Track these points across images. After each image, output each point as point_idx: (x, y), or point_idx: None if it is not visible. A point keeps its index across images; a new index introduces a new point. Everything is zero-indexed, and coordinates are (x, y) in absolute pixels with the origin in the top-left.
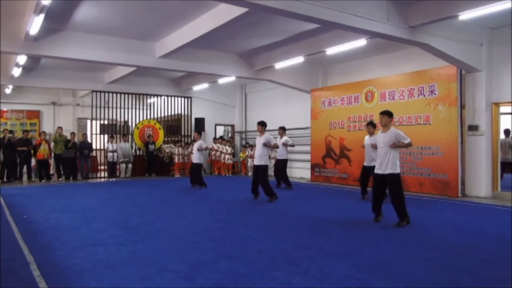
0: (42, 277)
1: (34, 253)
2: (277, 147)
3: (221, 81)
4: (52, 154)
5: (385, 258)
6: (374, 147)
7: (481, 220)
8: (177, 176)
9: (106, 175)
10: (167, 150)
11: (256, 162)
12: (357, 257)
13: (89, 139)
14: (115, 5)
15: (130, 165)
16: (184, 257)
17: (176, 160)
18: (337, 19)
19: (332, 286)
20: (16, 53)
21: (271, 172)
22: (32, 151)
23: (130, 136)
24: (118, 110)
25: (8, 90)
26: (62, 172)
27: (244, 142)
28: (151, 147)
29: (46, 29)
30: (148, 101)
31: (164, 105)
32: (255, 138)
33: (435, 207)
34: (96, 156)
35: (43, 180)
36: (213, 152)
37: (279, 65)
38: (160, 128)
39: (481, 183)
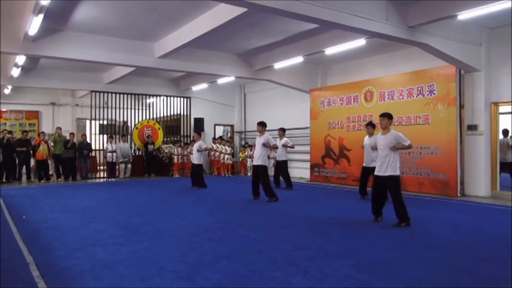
0: (42, 278)
1: (34, 253)
2: (276, 147)
3: (220, 81)
4: (51, 155)
5: (384, 258)
6: (374, 148)
7: (480, 220)
8: (176, 176)
9: (105, 176)
10: (166, 150)
11: (255, 162)
12: (357, 257)
13: (88, 140)
14: (114, 5)
15: (129, 165)
16: (183, 257)
17: (176, 160)
18: (336, 19)
19: (331, 286)
20: (15, 53)
21: (271, 172)
22: (31, 152)
23: (129, 136)
24: (117, 110)
25: (7, 91)
26: (61, 173)
27: (243, 142)
28: (150, 147)
29: (45, 30)
30: (147, 101)
31: (163, 105)
32: (255, 138)
33: (434, 206)
34: (95, 156)
35: (42, 181)
36: (212, 152)
37: (278, 65)
38: (159, 128)
39: (480, 183)
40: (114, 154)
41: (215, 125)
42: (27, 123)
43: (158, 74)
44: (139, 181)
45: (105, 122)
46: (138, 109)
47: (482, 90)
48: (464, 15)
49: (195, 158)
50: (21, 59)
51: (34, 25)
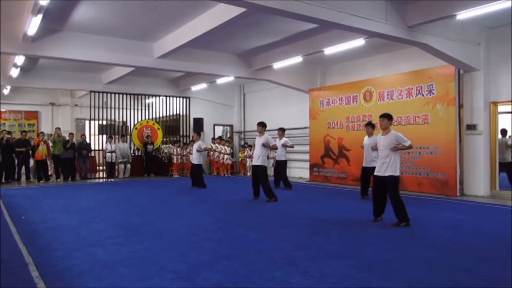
0: (41, 278)
1: (33, 254)
2: (276, 148)
3: (220, 81)
4: (51, 155)
5: (384, 258)
6: (374, 148)
7: (479, 219)
8: (176, 176)
9: (104, 176)
10: (166, 150)
11: (254, 162)
12: (356, 256)
13: (87, 140)
14: (113, 6)
15: (128, 166)
16: (183, 257)
17: (175, 160)
18: (335, 19)
19: (331, 285)
20: (14, 53)
21: (270, 172)
22: (30, 152)
23: (128, 137)
24: (117, 110)
25: (6, 91)
26: (60, 173)
27: (242, 142)
28: (150, 147)
29: (44, 30)
30: (147, 101)
31: (163, 105)
32: (254, 138)
33: (433, 206)
34: (94, 156)
35: (41, 181)
36: (212, 153)
37: (277, 65)
38: (158, 128)
39: (479, 182)
40: (113, 154)
41: (214, 125)
42: (26, 123)
43: (157, 74)
44: (139, 181)
45: (104, 122)
46: (137, 109)
47: (481, 89)
48: (463, 15)
49: (195, 158)
50: (20, 59)
51: (33, 25)
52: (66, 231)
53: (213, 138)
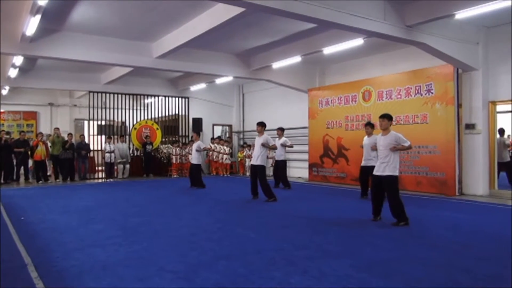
0: (40, 279)
1: (32, 254)
2: (275, 148)
3: (219, 81)
4: (49, 155)
5: (383, 257)
6: (374, 148)
7: (479, 219)
8: (175, 176)
9: (103, 176)
10: (165, 151)
11: (253, 162)
12: (356, 256)
13: (86, 140)
14: (111, 5)
15: (127, 166)
16: (182, 257)
17: (174, 161)
18: (334, 19)
19: (330, 285)
20: (12, 54)
21: (269, 172)
22: (29, 152)
23: (127, 137)
24: (116, 110)
25: (4, 91)
26: (59, 173)
27: (242, 142)
28: (149, 147)
29: (42, 30)
30: (146, 101)
31: (162, 106)
32: (253, 138)
33: (432, 205)
34: (93, 157)
35: (40, 181)
36: (211, 153)
37: (276, 65)
38: (157, 129)
39: (478, 182)
40: (112, 154)
41: (213, 125)
42: (25, 123)
43: (156, 74)
44: (138, 181)
45: (103, 123)
46: (136, 109)
47: (480, 89)
48: (462, 14)
49: (194, 158)
50: (18, 60)
51: (31, 25)
52: (65, 231)
53: (212, 138)
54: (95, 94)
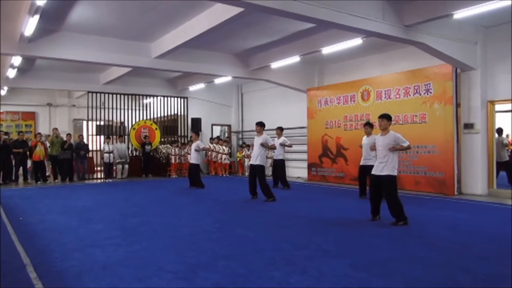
0: (39, 279)
1: (31, 255)
2: (274, 148)
3: (218, 81)
4: (48, 156)
5: (382, 257)
6: (372, 148)
7: (478, 218)
8: (174, 176)
9: (102, 176)
10: (164, 151)
11: (252, 162)
12: (355, 256)
13: (85, 140)
14: (110, 6)
15: (126, 166)
16: (181, 257)
17: (173, 161)
18: (333, 19)
19: (330, 285)
20: (10, 54)
21: (268, 172)
22: (28, 153)
23: (126, 137)
24: (114, 111)
25: (3, 92)
26: (58, 174)
27: (240, 142)
28: (148, 147)
29: (41, 30)
30: (144, 101)
31: (160, 106)
32: (252, 138)
33: (431, 205)
34: (92, 157)
35: (39, 182)
36: (210, 153)
37: (275, 65)
38: (156, 129)
39: (477, 181)
40: (111, 154)
41: (212, 125)
42: (24, 124)
43: (155, 74)
44: (137, 181)
45: (102, 123)
46: (135, 109)
47: (478, 88)
48: (460, 14)
49: (193, 158)
50: (17, 60)
51: (30, 25)
52: (64, 232)
53: (211, 138)
54: (94, 94)
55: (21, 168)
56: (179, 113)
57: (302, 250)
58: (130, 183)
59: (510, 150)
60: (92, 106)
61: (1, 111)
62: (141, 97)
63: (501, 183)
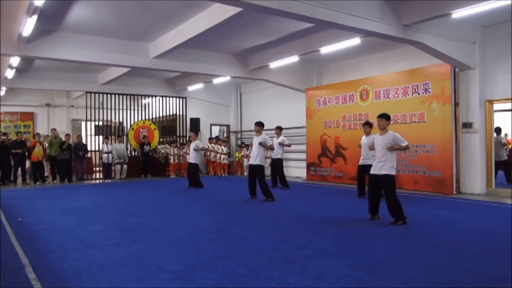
0: (38, 280)
1: (30, 255)
2: (272, 148)
3: (216, 81)
4: (47, 156)
5: (382, 257)
6: (371, 147)
7: (476, 217)
8: (173, 176)
9: (101, 177)
10: (163, 151)
11: (251, 162)
12: (354, 255)
13: (84, 141)
14: (108, 6)
15: (125, 166)
16: (181, 257)
17: (172, 161)
18: (331, 18)
19: (329, 285)
20: (9, 54)
21: (267, 171)
22: (26, 153)
23: (125, 137)
24: (113, 111)
25: (1, 92)
26: (57, 174)
27: (239, 142)
28: (147, 148)
29: (39, 30)
30: (143, 101)
31: (159, 106)
32: (251, 138)
33: (430, 204)
34: (91, 157)
35: (37, 182)
36: (208, 153)
37: (273, 65)
38: (155, 129)
39: (475, 180)
40: (109, 155)
41: (211, 125)
42: (22, 124)
43: (153, 75)
44: (135, 182)
45: (100, 123)
46: (134, 109)
47: (477, 88)
48: (458, 14)
49: (192, 157)
50: (15, 61)
51: (28, 26)
52: (63, 232)
53: (210, 138)
54: (92, 94)
55: (19, 168)
56: (177, 113)
57: (301, 250)
58: (129, 183)
59: (508, 149)
60: (90, 107)
61: (0, 112)
62: (139, 97)
63: (500, 183)
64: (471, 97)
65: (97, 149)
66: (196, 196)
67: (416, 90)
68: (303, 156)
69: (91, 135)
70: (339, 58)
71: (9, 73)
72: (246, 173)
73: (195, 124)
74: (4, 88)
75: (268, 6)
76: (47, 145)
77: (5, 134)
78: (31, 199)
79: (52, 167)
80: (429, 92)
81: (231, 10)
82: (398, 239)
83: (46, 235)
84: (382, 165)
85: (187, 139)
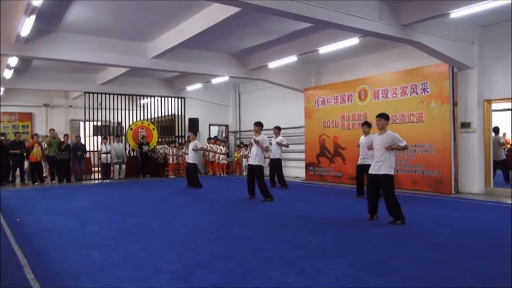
0: (37, 280)
1: (28, 256)
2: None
3: (215, 81)
4: (45, 157)
5: (380, 256)
6: (370, 147)
7: (475, 217)
8: (172, 176)
9: (100, 177)
10: (161, 151)
11: (250, 162)
12: (353, 255)
13: (82, 141)
14: (107, 6)
15: (123, 166)
16: (179, 257)
17: (171, 161)
18: (330, 18)
19: (328, 285)
20: (7, 55)
21: (266, 171)
22: (25, 154)
23: (123, 137)
24: (111, 111)
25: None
26: (55, 174)
27: (238, 142)
28: (145, 148)
29: (37, 31)
30: (142, 102)
31: (158, 106)
32: (249, 138)
33: (429, 204)
34: (89, 157)
35: (36, 183)
36: (207, 153)
37: (272, 65)
38: (154, 129)
39: (474, 180)
40: (108, 155)
41: (209, 125)
42: (20, 125)
43: (152, 75)
44: (134, 182)
45: (99, 123)
46: (132, 110)
47: (475, 87)
48: (456, 13)
49: (190, 157)
50: (13, 61)
51: (26, 26)
52: (61, 232)
53: (209, 138)
54: (91, 94)
55: (18, 169)
56: (176, 113)
57: (300, 250)
58: (128, 183)
59: (507, 149)
60: (89, 107)
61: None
62: (138, 97)
63: (498, 182)
64: (469, 96)
65: (95, 149)
66: (195, 196)
67: (415, 90)
68: (302, 156)
69: (89, 135)
70: (337, 58)
71: (7, 74)
72: (245, 173)
73: (193, 124)
74: (2, 89)
75: (266, 6)
76: (45, 145)
77: (3, 134)
78: (29, 199)
79: (50, 167)
80: (428, 92)
81: (230, 10)
82: (397, 238)
83: (45, 235)
84: (380, 165)
85: (186, 139)
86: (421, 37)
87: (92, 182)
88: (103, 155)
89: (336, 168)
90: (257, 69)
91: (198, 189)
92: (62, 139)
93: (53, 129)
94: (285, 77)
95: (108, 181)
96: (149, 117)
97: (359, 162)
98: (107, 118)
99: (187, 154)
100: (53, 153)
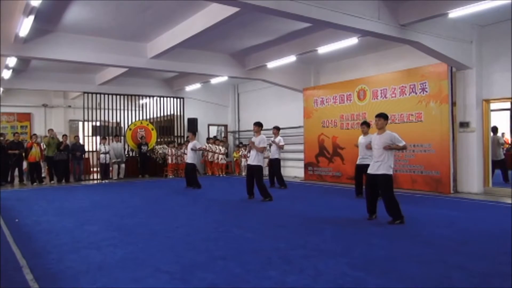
0: (36, 281)
1: (27, 257)
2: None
3: (214, 81)
4: (44, 157)
5: (379, 256)
6: (369, 147)
7: (474, 216)
8: (171, 177)
9: (98, 177)
10: (160, 151)
11: (250, 162)
12: (352, 255)
13: (81, 141)
14: (106, 6)
15: (122, 165)
16: (178, 258)
17: (169, 161)
18: (329, 18)
19: (327, 284)
20: (5, 55)
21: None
22: (23, 154)
23: (122, 137)
24: (110, 111)
25: None
26: (54, 175)
27: (237, 142)
28: (144, 148)
29: (36, 31)
30: (140, 102)
31: (157, 106)
32: (248, 137)
33: (428, 203)
34: (88, 158)
35: (35, 183)
36: (206, 153)
37: (271, 65)
38: (152, 129)
39: (472, 179)
40: (107, 155)
41: (208, 125)
42: (19, 125)
43: (150, 75)
44: (133, 182)
45: (98, 124)
46: (131, 110)
47: (474, 87)
48: (455, 13)
49: (189, 157)
50: (12, 61)
51: (24, 26)
52: (60, 233)
53: (208, 138)
54: (90, 95)
55: (17, 169)
56: (175, 113)
57: (299, 250)
58: (127, 183)
59: (505, 148)
60: (88, 107)
61: None
62: (137, 97)
63: (497, 182)
64: (468, 96)
65: (94, 149)
66: (194, 196)
67: (413, 90)
68: (301, 156)
69: (88, 135)
70: (336, 58)
71: (6, 74)
72: (244, 173)
73: (192, 124)
74: (1, 89)
75: (265, 6)
76: (44, 145)
77: (2, 134)
78: (28, 200)
79: (49, 167)
80: (426, 91)
81: (229, 10)
82: (395, 238)
83: (44, 236)
84: (379, 164)
85: (185, 139)
86: (419, 37)
87: (91, 182)
88: (102, 155)
89: (335, 168)
90: (256, 69)
91: (197, 189)
92: (61, 139)
93: (51, 130)
94: (284, 77)
95: (107, 181)
96: (148, 117)
97: (358, 162)
98: (106, 119)
99: (186, 154)
100: (52, 154)
